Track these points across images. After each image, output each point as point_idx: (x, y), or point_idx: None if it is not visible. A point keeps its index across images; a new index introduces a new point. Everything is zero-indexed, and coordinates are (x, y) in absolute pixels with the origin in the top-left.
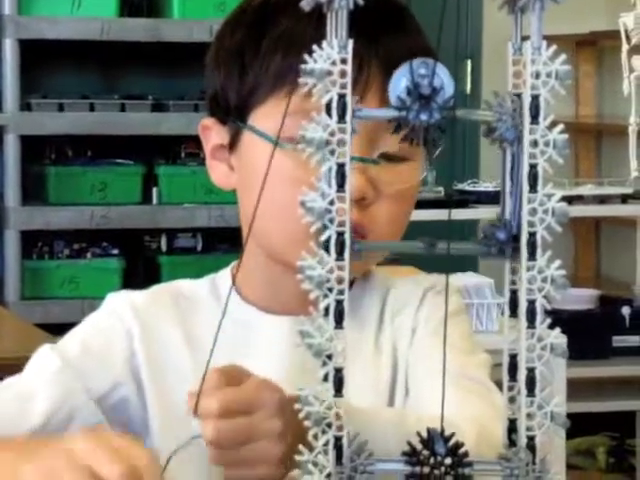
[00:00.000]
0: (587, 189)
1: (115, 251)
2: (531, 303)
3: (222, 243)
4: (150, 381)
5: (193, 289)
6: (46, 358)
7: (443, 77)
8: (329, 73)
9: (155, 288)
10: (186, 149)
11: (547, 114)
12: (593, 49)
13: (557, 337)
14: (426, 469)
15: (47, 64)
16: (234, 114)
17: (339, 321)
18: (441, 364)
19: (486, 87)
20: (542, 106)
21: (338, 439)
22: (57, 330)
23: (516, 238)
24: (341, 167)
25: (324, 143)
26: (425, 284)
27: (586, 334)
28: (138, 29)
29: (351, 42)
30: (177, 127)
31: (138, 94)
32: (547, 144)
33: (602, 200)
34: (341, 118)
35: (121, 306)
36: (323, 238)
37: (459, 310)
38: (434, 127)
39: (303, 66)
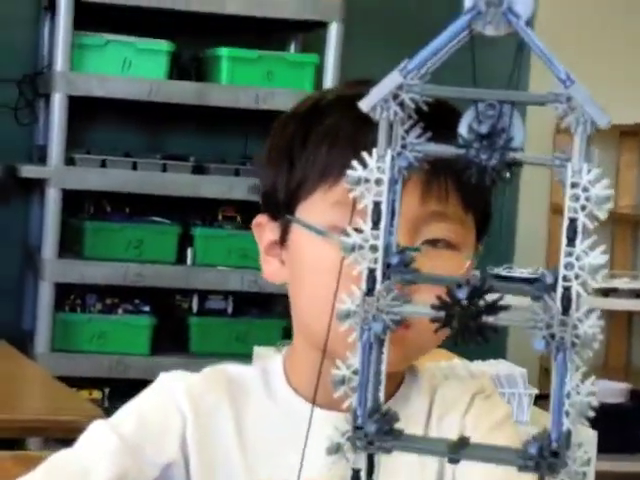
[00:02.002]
0: (623, 282)
1: (146, 308)
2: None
3: (253, 307)
4: (198, 472)
5: (245, 376)
6: (103, 436)
7: (515, 122)
8: (366, 180)
9: (209, 372)
10: (224, 212)
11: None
12: (636, 139)
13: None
14: (450, 315)
15: (93, 120)
16: (283, 209)
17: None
18: (486, 476)
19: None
20: (579, 229)
21: None
22: (84, 384)
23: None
24: (372, 272)
25: (357, 247)
26: (473, 388)
27: (616, 428)
28: (185, 92)
29: (390, 152)
30: (216, 190)
31: (180, 155)
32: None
33: (638, 294)
34: (375, 225)
35: (176, 388)
36: (362, 339)
37: (506, 417)
38: (497, 168)
39: (348, 172)
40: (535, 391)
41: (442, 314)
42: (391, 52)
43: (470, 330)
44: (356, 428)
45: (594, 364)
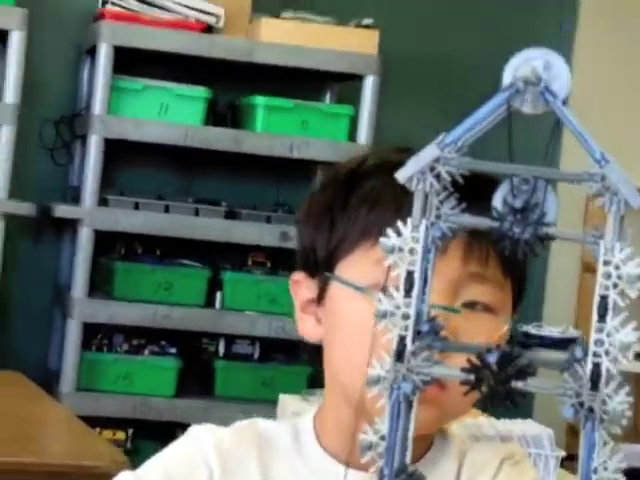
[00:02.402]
0: None
1: (173, 350)
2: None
3: (279, 353)
4: None
5: (275, 432)
6: None
7: (549, 198)
8: (400, 249)
9: (239, 426)
10: (254, 258)
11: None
12: None
13: None
14: (480, 379)
15: (128, 162)
16: (322, 267)
17: None
18: None
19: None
20: (610, 306)
21: None
22: (108, 424)
23: None
24: (402, 339)
25: (389, 314)
26: (502, 453)
27: None
28: (221, 138)
29: (425, 222)
30: (248, 236)
31: (212, 199)
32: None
33: None
34: (407, 293)
35: (205, 441)
36: (391, 398)
37: None
38: (530, 242)
39: (381, 239)
40: (562, 453)
41: (472, 377)
42: (425, 106)
43: (499, 395)
44: None
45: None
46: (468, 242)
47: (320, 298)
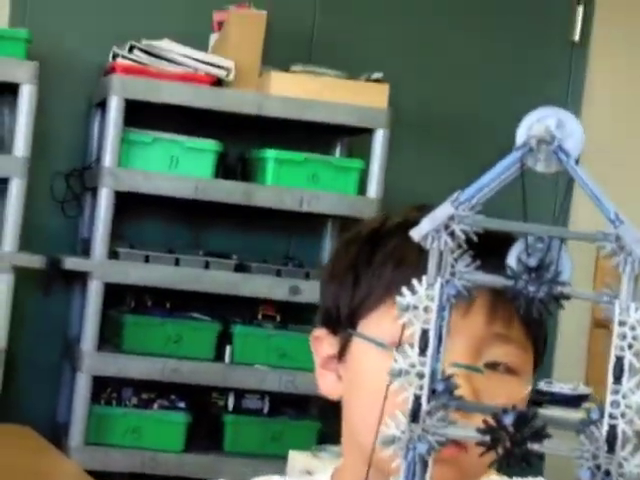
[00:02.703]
0: None
1: (182, 404)
2: None
3: (289, 408)
4: None
5: None
6: None
7: (563, 257)
8: (415, 307)
9: None
10: (264, 311)
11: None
12: None
13: None
14: (496, 440)
15: (138, 215)
16: (345, 323)
17: None
18: None
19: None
20: (626, 368)
21: None
22: (116, 478)
23: None
24: (418, 399)
25: (404, 373)
26: None
27: None
28: (231, 191)
29: (439, 280)
30: (258, 289)
31: (222, 252)
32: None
33: None
34: (422, 351)
35: None
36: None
37: None
38: (544, 301)
39: (398, 298)
40: None
41: (487, 438)
42: (435, 161)
43: (515, 456)
44: None
45: None
46: (493, 302)
47: (341, 355)
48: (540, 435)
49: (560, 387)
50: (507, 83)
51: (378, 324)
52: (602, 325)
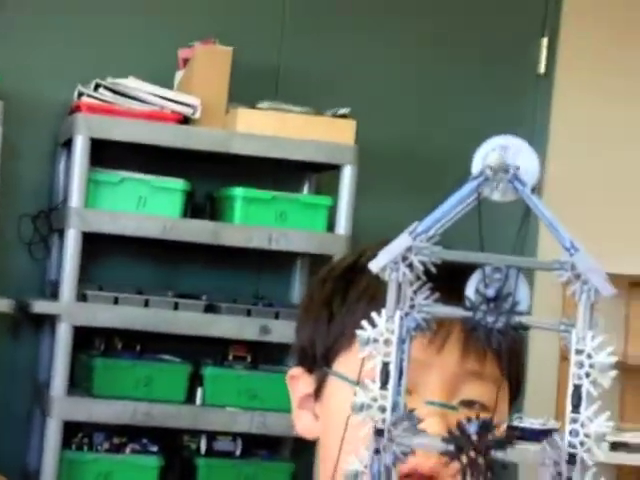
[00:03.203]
0: (632, 436)
1: (154, 448)
2: None
3: (261, 449)
4: None
5: None
6: None
7: (520, 286)
8: (375, 341)
9: None
10: (234, 352)
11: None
12: None
13: None
14: (460, 449)
15: (106, 256)
16: (320, 362)
17: None
18: None
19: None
20: (584, 396)
21: None
22: None
23: None
24: (380, 432)
25: (366, 407)
26: None
27: None
28: (199, 231)
29: (398, 313)
30: (228, 330)
31: (192, 293)
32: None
33: None
34: (384, 385)
35: None
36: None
37: None
38: (503, 331)
39: (358, 332)
40: None
41: (451, 447)
42: (404, 195)
43: (478, 465)
44: None
45: None
46: (466, 338)
47: (317, 394)
48: (504, 443)
49: (530, 422)
50: (474, 116)
51: (352, 362)
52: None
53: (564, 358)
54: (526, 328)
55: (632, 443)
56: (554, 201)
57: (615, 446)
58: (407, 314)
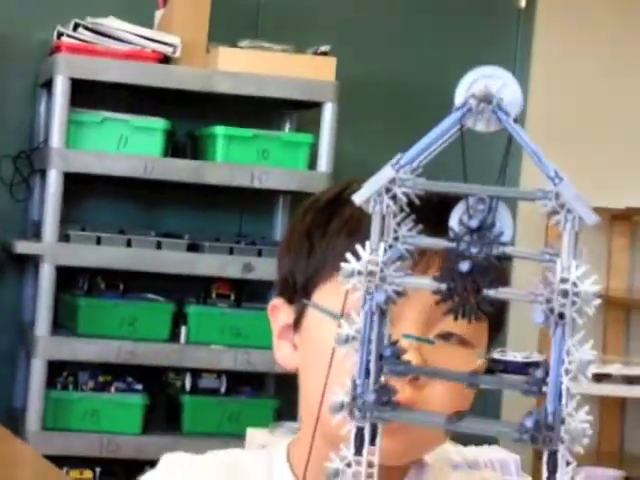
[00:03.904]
0: (615, 368)
1: (139, 387)
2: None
3: (246, 386)
4: None
5: (247, 461)
6: None
7: (504, 216)
8: (359, 273)
9: (211, 455)
10: (218, 290)
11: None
12: (628, 223)
13: None
14: (451, 287)
15: (88, 196)
16: (300, 292)
17: None
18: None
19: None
20: (569, 324)
21: None
22: (75, 462)
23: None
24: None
25: (350, 339)
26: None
27: None
28: (181, 170)
29: (382, 245)
30: (211, 268)
31: (175, 232)
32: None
33: (630, 380)
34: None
35: (176, 470)
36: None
37: None
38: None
39: (342, 265)
40: (529, 478)
41: (443, 286)
42: (386, 131)
43: (470, 303)
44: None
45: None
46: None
47: (297, 324)
48: (496, 282)
49: (513, 356)
50: (455, 51)
51: (332, 294)
52: None
53: None
54: (509, 258)
55: (615, 374)
56: (535, 136)
57: (598, 378)
58: (391, 246)
